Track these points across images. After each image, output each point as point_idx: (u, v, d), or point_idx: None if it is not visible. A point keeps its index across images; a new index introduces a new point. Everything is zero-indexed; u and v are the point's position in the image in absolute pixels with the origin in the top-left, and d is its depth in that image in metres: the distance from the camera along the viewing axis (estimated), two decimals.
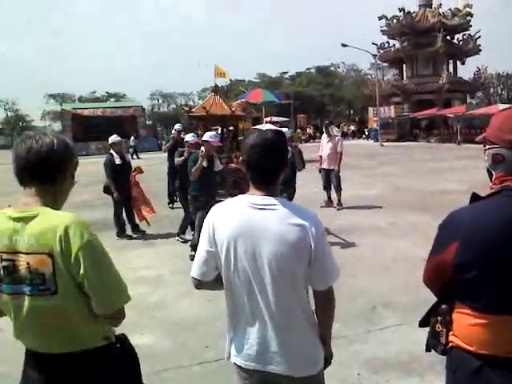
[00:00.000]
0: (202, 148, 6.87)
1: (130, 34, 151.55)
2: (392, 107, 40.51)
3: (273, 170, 2.00)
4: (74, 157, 1.88)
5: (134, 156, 32.37)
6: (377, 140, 35.82)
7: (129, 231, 8.77)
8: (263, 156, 1.95)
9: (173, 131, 11.67)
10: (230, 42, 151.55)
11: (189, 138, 8.02)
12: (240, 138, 11.86)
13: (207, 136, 7.08)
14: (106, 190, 8.66)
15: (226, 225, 1.97)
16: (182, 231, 7.78)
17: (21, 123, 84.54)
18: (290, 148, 7.56)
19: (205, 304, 4.96)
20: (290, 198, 7.43)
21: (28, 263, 1.67)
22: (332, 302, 2.09)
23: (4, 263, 1.71)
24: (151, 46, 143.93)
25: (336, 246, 6.59)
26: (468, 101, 45.36)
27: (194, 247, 6.83)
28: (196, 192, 6.99)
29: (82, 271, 1.65)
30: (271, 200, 1.96)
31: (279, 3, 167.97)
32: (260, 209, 1.94)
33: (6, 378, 3.49)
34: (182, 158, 7.81)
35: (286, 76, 77.07)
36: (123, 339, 1.97)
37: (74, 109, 45.53)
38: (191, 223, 7.27)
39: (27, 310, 1.71)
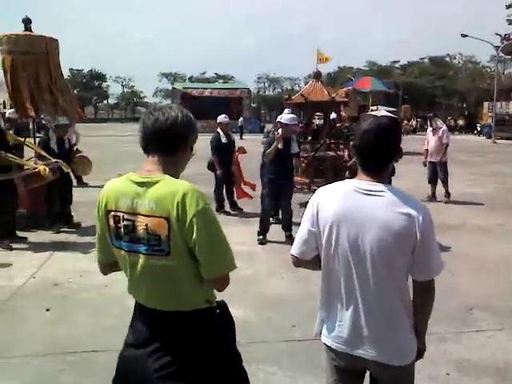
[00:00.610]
0: (279, 130, 6.74)
1: (239, 18, 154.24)
2: (510, 103, 37.56)
3: (384, 156, 1.98)
4: (195, 131, 1.99)
5: (238, 136, 33.54)
6: (490, 137, 33.50)
7: (227, 208, 9.08)
8: (376, 141, 1.93)
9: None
10: (339, 28, 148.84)
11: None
12: (338, 124, 11.47)
13: (286, 119, 6.85)
14: (210, 166, 9.01)
15: (331, 207, 1.98)
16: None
17: (135, 99, 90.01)
18: None
19: (294, 284, 5.05)
20: None
21: (146, 225, 1.81)
22: (431, 295, 2.05)
23: (125, 222, 1.86)
24: (258, 30, 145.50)
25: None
26: None
27: (260, 232, 7.10)
28: (270, 175, 6.90)
29: (194, 236, 1.76)
30: (379, 186, 1.94)
31: None
32: (366, 194, 1.93)
33: (113, 330, 3.84)
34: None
35: (397, 65, 74.37)
36: (223, 305, 2.06)
37: (184, 88, 47.48)
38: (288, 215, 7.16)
39: (141, 267, 1.86)
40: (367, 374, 2.16)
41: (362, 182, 1.97)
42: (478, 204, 9.99)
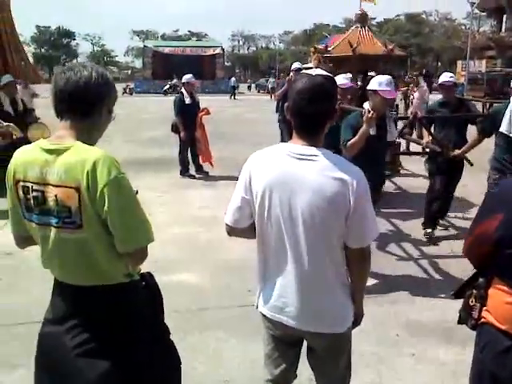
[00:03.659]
0: (366, 105, 4.16)
1: None
2: (483, 61, 37.63)
3: (318, 118, 1.88)
4: (113, 92, 1.84)
5: (232, 97, 34.43)
6: (462, 96, 33.63)
7: (192, 171, 8.95)
8: (310, 102, 1.82)
9: (294, 66, 9.26)
10: None
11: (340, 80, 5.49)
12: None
13: (380, 83, 4.06)
14: (174, 128, 8.80)
15: (263, 173, 1.90)
16: None
17: (105, 58, 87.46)
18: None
19: (254, 248, 4.96)
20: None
21: (56, 196, 1.68)
22: (367, 262, 2.00)
23: (34, 193, 1.73)
24: None
25: None
26: None
27: None
28: None
29: (106, 207, 1.65)
30: (313, 150, 1.85)
31: None
32: (299, 159, 1.85)
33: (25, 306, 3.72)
34: None
35: (373, 22, 73.49)
36: (149, 278, 1.98)
37: (155, 46, 46.24)
38: None
39: (53, 241, 1.75)
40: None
41: (295, 146, 1.88)
42: None
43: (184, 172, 8.78)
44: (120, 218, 1.68)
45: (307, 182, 1.82)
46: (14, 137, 6.22)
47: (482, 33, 43.96)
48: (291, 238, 1.90)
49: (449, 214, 6.06)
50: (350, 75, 6.26)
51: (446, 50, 56.26)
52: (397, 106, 5.58)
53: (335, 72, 6.31)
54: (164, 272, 4.41)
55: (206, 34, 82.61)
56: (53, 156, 1.70)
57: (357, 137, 4.00)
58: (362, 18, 7.85)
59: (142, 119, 19.26)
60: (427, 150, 5.73)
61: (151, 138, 13.33)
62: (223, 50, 49.02)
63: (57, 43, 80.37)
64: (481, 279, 1.79)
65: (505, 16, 41.13)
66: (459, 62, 41.17)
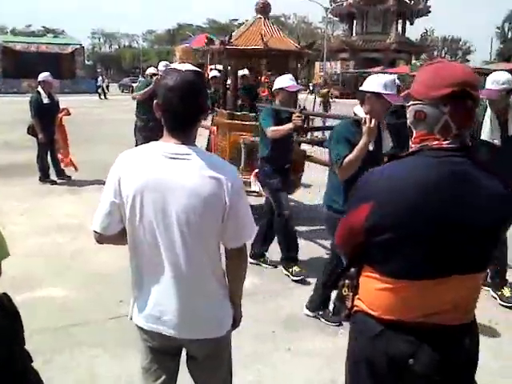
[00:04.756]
0: (358, 110, 3.39)
1: None
2: (338, 63, 40.51)
3: (191, 115, 1.79)
4: None
5: (102, 97, 33.40)
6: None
7: (53, 176, 8.33)
8: (182, 99, 1.72)
9: (149, 71, 8.39)
10: None
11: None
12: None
13: (382, 86, 3.25)
14: (31, 130, 8.13)
15: (134, 174, 1.76)
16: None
17: None
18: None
19: (125, 255, 4.70)
20: None
21: None
22: (244, 261, 1.97)
23: None
24: None
25: None
26: (412, 62, 46.14)
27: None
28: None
29: None
30: (185, 149, 1.75)
31: None
32: (172, 158, 1.74)
33: None
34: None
35: (236, 23, 75.18)
36: (4, 300, 1.73)
37: (5, 42, 42.24)
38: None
39: None
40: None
41: (167, 145, 1.77)
42: None
43: (44, 178, 8.13)
44: None
45: (181, 182, 1.73)
46: None
47: (336, 36, 47.23)
48: (166, 243, 1.78)
49: None
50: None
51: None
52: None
53: (234, 68, 6.21)
54: (25, 288, 4.02)
55: (63, 31, 77.75)
56: None
57: (356, 152, 3.17)
58: (264, 8, 6.40)
59: None
60: None
61: (4, 141, 12.14)
62: (83, 47, 46.58)
63: None
64: (352, 269, 1.84)
65: (355, 22, 44.61)
66: (317, 64, 43.80)
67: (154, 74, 8.01)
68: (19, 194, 7.25)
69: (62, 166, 8.38)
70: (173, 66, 1.89)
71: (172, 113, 1.76)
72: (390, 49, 39.65)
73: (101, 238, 1.90)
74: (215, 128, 6.41)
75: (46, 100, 8.04)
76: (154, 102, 1.79)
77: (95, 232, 1.87)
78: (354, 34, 44.30)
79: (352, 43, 41.67)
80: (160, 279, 1.84)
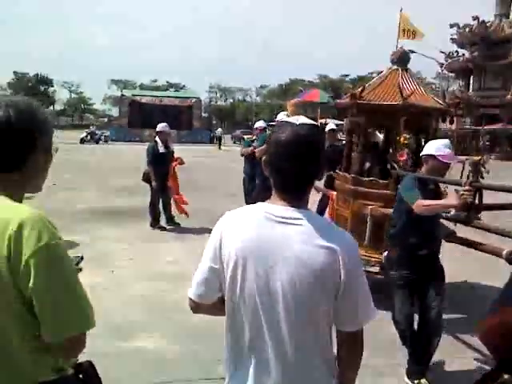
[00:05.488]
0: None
1: (195, 30, 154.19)
2: (455, 119, 38.90)
3: (304, 175, 1.57)
4: (45, 127, 1.46)
5: (217, 147, 36.38)
6: None
7: (163, 222, 8.56)
8: (294, 157, 1.52)
9: (258, 124, 8.47)
10: (293, 40, 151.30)
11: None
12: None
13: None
14: (146, 177, 8.50)
15: (237, 238, 1.56)
16: None
17: (82, 105, 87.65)
18: None
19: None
20: None
21: None
22: (360, 348, 1.65)
23: None
24: (212, 40, 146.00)
25: None
26: None
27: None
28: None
29: (31, 284, 1.26)
30: (295, 213, 1.53)
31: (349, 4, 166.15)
32: (280, 222, 1.52)
33: None
34: None
35: (347, 79, 76.05)
36: (88, 368, 1.55)
37: (133, 95, 46.46)
38: None
39: None
40: None
41: (274, 207, 1.55)
42: None
43: (154, 224, 8.39)
44: (49, 297, 1.30)
45: (289, 251, 1.50)
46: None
47: (451, 92, 45.68)
48: (268, 318, 1.55)
49: None
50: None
51: None
52: None
53: (364, 126, 5.37)
54: (122, 337, 3.98)
55: (183, 85, 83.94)
56: None
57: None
58: (402, 57, 5.70)
59: (113, 167, 18.87)
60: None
61: (122, 186, 12.93)
62: (200, 101, 49.64)
63: (34, 90, 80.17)
64: (506, 376, 1.44)
65: (471, 77, 42.98)
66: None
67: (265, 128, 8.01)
68: (130, 238, 7.49)
69: (173, 212, 8.63)
70: (285, 118, 1.70)
71: (282, 173, 1.56)
72: (510, 104, 37.44)
73: (197, 307, 1.71)
74: (334, 193, 5.78)
75: (161, 149, 8.41)
76: (263, 158, 1.61)
77: (191, 300, 1.69)
78: (470, 90, 42.58)
79: (468, 99, 39.95)
80: (259, 357, 1.59)
